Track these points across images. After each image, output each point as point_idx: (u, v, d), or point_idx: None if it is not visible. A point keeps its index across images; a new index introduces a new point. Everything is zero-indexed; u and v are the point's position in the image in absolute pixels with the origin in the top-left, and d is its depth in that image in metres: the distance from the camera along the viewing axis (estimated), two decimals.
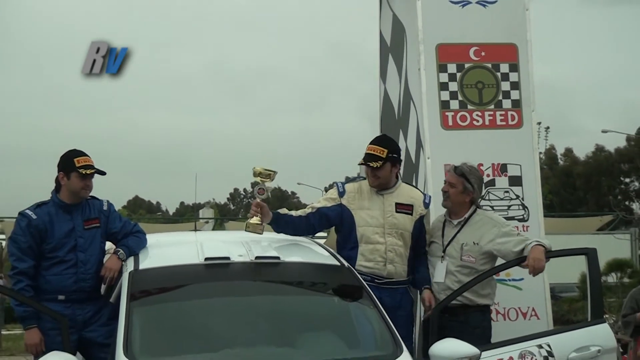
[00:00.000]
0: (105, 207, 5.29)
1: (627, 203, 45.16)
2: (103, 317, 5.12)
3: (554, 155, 49.04)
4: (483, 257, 5.37)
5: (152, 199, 71.06)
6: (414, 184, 6.22)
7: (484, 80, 6.38)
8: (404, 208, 5.43)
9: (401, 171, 6.68)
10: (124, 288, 4.61)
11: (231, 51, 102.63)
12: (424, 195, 5.60)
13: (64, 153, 5.24)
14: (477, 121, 6.33)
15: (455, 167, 5.54)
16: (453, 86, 6.35)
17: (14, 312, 5.29)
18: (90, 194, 5.27)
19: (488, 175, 6.14)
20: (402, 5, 6.97)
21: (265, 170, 5.21)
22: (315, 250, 5.27)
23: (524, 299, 6.03)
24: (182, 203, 66.71)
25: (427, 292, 5.36)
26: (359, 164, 5.51)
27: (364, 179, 5.53)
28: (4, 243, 20.93)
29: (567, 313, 18.27)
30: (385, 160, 5.37)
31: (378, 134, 6.34)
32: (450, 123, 6.31)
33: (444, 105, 6.32)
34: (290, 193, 65.75)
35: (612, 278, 18.25)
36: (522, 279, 5.91)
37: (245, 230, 5.14)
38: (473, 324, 5.29)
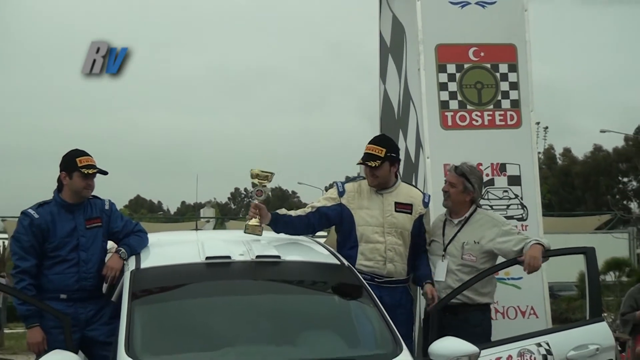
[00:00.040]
0: (107, 207, 5.29)
1: (625, 202, 45.10)
2: (105, 315, 5.12)
3: (553, 155, 49.08)
4: (484, 256, 5.38)
5: (154, 199, 71.16)
6: (413, 183, 6.22)
7: (483, 80, 6.38)
8: (403, 207, 5.43)
9: (401, 171, 6.69)
10: (125, 287, 4.61)
11: (231, 51, 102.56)
12: (423, 194, 5.60)
13: (66, 153, 5.24)
14: (476, 121, 6.34)
15: (455, 167, 5.54)
16: (452, 86, 6.35)
17: (16, 310, 5.28)
18: (92, 194, 5.27)
19: (487, 175, 6.14)
20: (401, 5, 6.97)
21: (263, 172, 5.20)
22: (315, 250, 5.27)
23: (523, 297, 6.03)
24: (183, 202, 66.75)
25: (429, 286, 5.34)
26: (357, 164, 5.51)
27: (364, 178, 5.53)
28: (6, 242, 20.94)
29: (566, 312, 18.27)
30: (384, 160, 5.37)
31: (378, 133, 6.34)
32: (450, 123, 6.31)
33: (444, 105, 6.32)
34: (290, 192, 65.80)
35: (610, 277, 18.25)
36: (521, 278, 5.91)
37: (245, 232, 5.13)
38: (473, 322, 5.29)
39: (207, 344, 4.33)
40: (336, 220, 5.48)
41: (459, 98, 6.34)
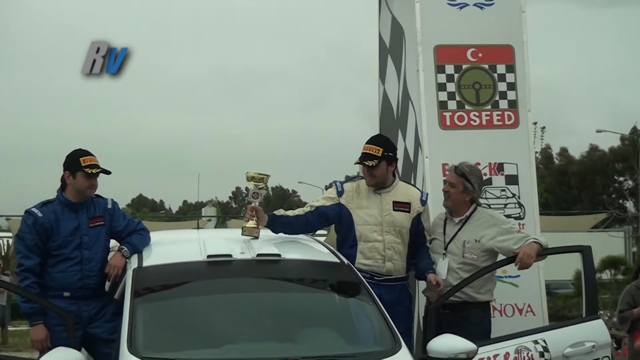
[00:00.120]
0: (109, 206, 5.29)
1: (620, 201, 45.19)
2: (107, 313, 5.12)
3: (550, 154, 49.11)
4: (484, 255, 5.38)
5: (156, 198, 71.23)
6: (412, 182, 6.22)
7: (481, 81, 6.38)
8: (401, 206, 5.43)
9: (400, 170, 6.70)
10: (128, 285, 4.61)
11: (231, 51, 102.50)
12: (421, 193, 5.60)
13: (69, 152, 5.24)
14: (475, 121, 6.33)
15: (455, 167, 5.53)
16: (451, 87, 6.35)
17: (20, 308, 5.28)
18: (95, 193, 5.27)
19: (485, 174, 6.12)
20: (400, 7, 6.97)
21: (259, 174, 5.20)
22: (315, 248, 5.27)
23: (520, 295, 6.03)
24: (185, 201, 66.87)
25: (432, 274, 5.31)
26: (355, 163, 5.51)
27: (363, 178, 5.53)
28: (10, 241, 20.93)
29: (562, 309, 18.30)
30: (381, 159, 5.36)
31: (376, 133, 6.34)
32: (448, 123, 6.31)
33: (442, 105, 6.32)
34: (291, 192, 65.83)
35: (606, 275, 18.27)
36: (518, 276, 5.91)
37: (242, 235, 5.11)
38: (474, 320, 5.29)
39: (209, 341, 4.33)
40: (335, 220, 5.48)
41: (457, 98, 6.34)
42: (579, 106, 79.96)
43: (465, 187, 5.45)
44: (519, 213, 6.21)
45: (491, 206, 6.03)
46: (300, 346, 4.34)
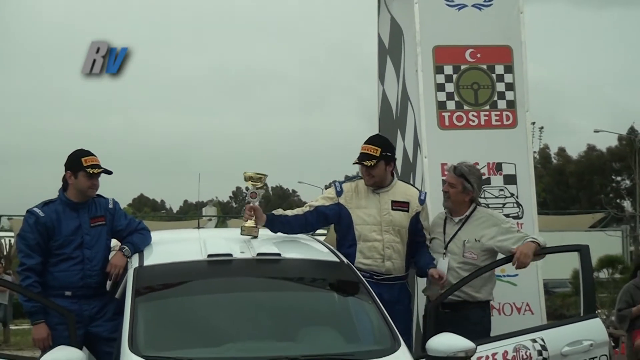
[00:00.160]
0: (110, 205, 5.29)
1: (618, 201, 45.21)
2: (109, 312, 5.12)
3: (548, 154, 49.10)
4: (484, 254, 5.37)
5: (157, 198, 71.20)
6: (411, 182, 6.22)
7: (479, 81, 6.38)
8: (400, 205, 5.43)
9: (399, 170, 6.70)
10: (129, 284, 4.61)
11: (232, 52, 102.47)
12: (420, 192, 5.59)
13: (71, 153, 5.24)
14: (473, 121, 6.34)
15: (454, 168, 5.53)
16: (449, 87, 6.35)
17: (22, 307, 5.29)
18: (96, 193, 5.26)
19: (484, 174, 6.12)
20: (399, 8, 6.98)
21: (256, 174, 5.20)
22: (315, 247, 5.27)
23: (519, 294, 6.04)
24: (185, 201, 66.89)
25: (433, 269, 5.31)
26: (353, 163, 5.50)
27: (362, 178, 5.53)
28: (12, 240, 20.93)
29: (560, 308, 18.27)
30: (379, 159, 5.36)
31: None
32: (447, 123, 6.31)
33: (441, 105, 6.32)
34: (291, 191, 65.83)
35: (603, 274, 18.26)
36: (516, 275, 5.91)
37: (241, 234, 5.11)
38: (474, 319, 5.29)
39: (209, 339, 4.33)
40: (334, 220, 5.48)
41: (456, 99, 6.34)
42: (577, 106, 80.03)
43: (465, 187, 5.45)
44: (517, 212, 6.21)
45: (489, 206, 6.03)
46: (300, 345, 4.34)
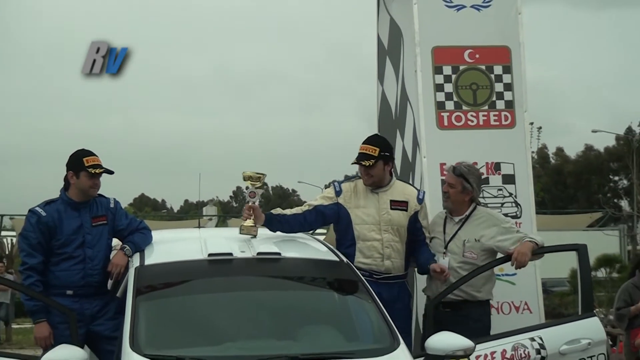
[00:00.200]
0: (112, 205, 5.29)
1: (616, 200, 45.14)
2: (110, 311, 5.12)
3: (546, 154, 49.10)
4: (484, 254, 5.37)
5: (158, 197, 71.12)
6: (410, 182, 6.22)
7: (478, 81, 6.39)
8: (398, 205, 5.43)
9: (398, 170, 6.71)
10: (130, 283, 4.61)
11: (232, 52, 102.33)
12: (418, 191, 5.59)
13: (72, 153, 5.24)
14: (472, 121, 6.34)
15: (453, 168, 5.53)
16: (448, 87, 6.35)
17: (24, 306, 5.28)
18: (98, 192, 5.26)
19: (482, 174, 6.13)
20: (399, 9, 6.97)
21: (255, 174, 5.19)
22: (315, 247, 5.27)
23: (517, 293, 6.04)
24: (186, 201, 66.84)
25: (435, 264, 5.31)
26: (352, 163, 5.50)
27: (361, 178, 5.53)
28: (14, 240, 20.93)
29: (559, 307, 18.27)
30: (378, 159, 5.36)
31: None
32: (446, 123, 6.31)
33: (440, 105, 6.32)
34: (291, 191, 65.83)
35: (601, 273, 18.25)
36: (515, 274, 5.91)
37: (240, 233, 5.10)
38: (474, 318, 5.29)
39: (210, 338, 4.33)
40: (333, 219, 5.48)
41: (455, 99, 6.34)
42: (575, 107, 80.00)
43: (464, 187, 5.45)
44: (516, 212, 6.21)
45: (488, 205, 6.03)
46: (300, 343, 4.33)
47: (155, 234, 5.32)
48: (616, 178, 49.36)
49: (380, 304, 4.60)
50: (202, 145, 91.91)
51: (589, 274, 5.35)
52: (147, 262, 4.87)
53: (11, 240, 21.60)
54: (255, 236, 5.08)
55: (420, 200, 5.50)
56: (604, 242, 21.27)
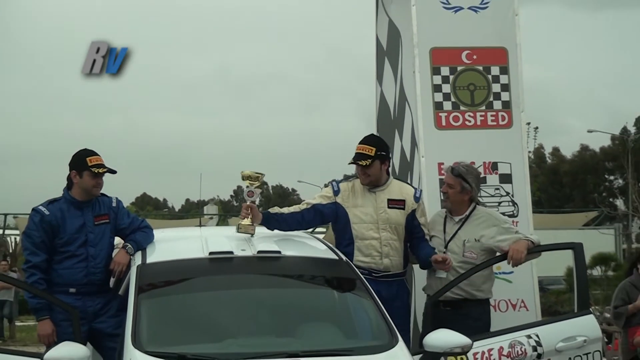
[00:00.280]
0: (114, 204, 5.29)
1: (611, 200, 45.19)
2: (112, 308, 5.12)
3: (542, 154, 49.19)
4: (484, 254, 5.37)
5: (159, 196, 71.10)
6: (409, 181, 6.22)
7: (475, 82, 6.38)
8: (396, 203, 5.42)
9: (397, 169, 6.71)
10: (132, 281, 4.61)
11: (232, 52, 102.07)
12: (415, 189, 5.59)
13: (75, 152, 5.24)
14: (469, 121, 6.33)
15: (452, 169, 5.52)
16: (446, 88, 6.34)
17: (27, 304, 5.28)
18: (100, 191, 5.26)
19: (480, 173, 6.13)
20: (397, 10, 6.97)
21: (254, 173, 5.19)
22: (314, 245, 5.27)
23: (514, 291, 6.04)
24: (187, 200, 66.86)
25: (436, 255, 5.29)
26: (349, 163, 5.50)
27: (358, 177, 5.52)
28: (18, 238, 20.95)
29: (555, 304, 18.31)
30: (374, 158, 5.36)
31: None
32: (444, 123, 6.31)
33: (438, 106, 6.31)
34: (290, 190, 65.84)
35: (597, 271, 18.31)
36: (512, 272, 5.91)
37: (237, 232, 5.09)
38: (474, 317, 5.29)
39: (211, 335, 4.33)
40: (331, 218, 5.48)
41: (453, 99, 6.34)
42: (571, 107, 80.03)
43: (463, 187, 5.44)
44: (513, 211, 6.21)
45: (486, 204, 6.03)
46: (299, 341, 4.33)
47: (157, 233, 5.32)
48: (611, 177, 49.42)
49: (379, 301, 4.60)
50: (202, 145, 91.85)
51: (585, 272, 5.35)
52: (149, 260, 4.86)
53: (15, 238, 21.63)
54: (252, 235, 5.08)
55: (417, 199, 5.50)
56: (600, 241, 21.30)
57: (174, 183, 78.73)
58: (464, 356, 4.56)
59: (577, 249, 5.28)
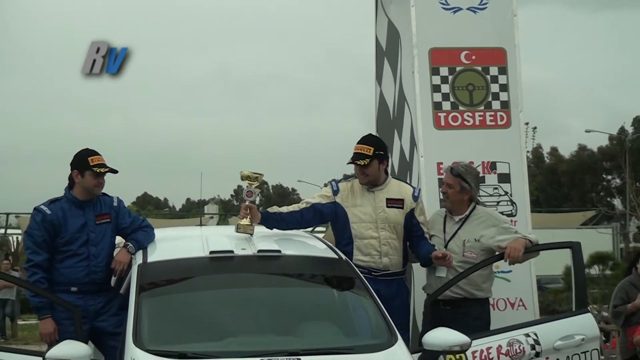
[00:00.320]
0: (115, 203, 5.29)
1: (608, 199, 45.20)
2: (113, 307, 5.12)
3: (541, 153, 49.20)
4: (483, 253, 5.36)
5: (160, 196, 71.06)
6: (408, 181, 6.22)
7: (474, 82, 6.38)
8: (394, 203, 5.42)
9: (396, 169, 6.71)
10: (133, 280, 4.61)
11: (232, 52, 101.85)
12: (414, 188, 5.59)
13: (77, 152, 5.24)
14: (468, 121, 6.34)
15: (451, 169, 5.52)
16: (445, 88, 6.35)
17: (29, 303, 5.28)
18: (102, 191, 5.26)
19: (479, 173, 6.13)
20: (396, 11, 6.97)
21: (253, 173, 5.19)
22: (314, 244, 5.27)
23: (512, 290, 6.04)
24: (188, 199, 66.83)
25: (435, 251, 5.30)
26: (347, 163, 5.50)
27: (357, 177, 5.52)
28: (19, 237, 20.95)
29: (553, 303, 18.30)
30: (373, 158, 5.36)
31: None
32: (443, 123, 6.31)
33: (437, 106, 6.32)
34: (290, 190, 65.84)
35: (594, 270, 18.28)
36: (510, 271, 5.91)
37: (236, 232, 5.08)
38: (474, 315, 5.29)
39: (211, 334, 4.33)
40: (330, 218, 5.48)
41: (452, 99, 6.34)
42: (570, 107, 79.96)
43: (462, 187, 5.44)
44: (511, 210, 6.21)
45: (484, 204, 6.04)
46: (299, 339, 4.33)
47: (158, 232, 5.32)
48: (609, 177, 49.44)
49: (379, 300, 4.60)
50: (202, 145, 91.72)
51: (583, 271, 5.35)
52: (150, 259, 4.86)
53: (17, 238, 21.64)
54: (252, 235, 5.07)
55: (416, 198, 5.50)
56: (597, 240, 21.32)
57: (175, 183, 78.72)
58: (462, 354, 4.56)
59: (575, 248, 5.28)
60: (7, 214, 27.75)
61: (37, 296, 5.01)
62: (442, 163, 6.01)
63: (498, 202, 6.20)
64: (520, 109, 6.39)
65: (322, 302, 4.87)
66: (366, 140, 5.50)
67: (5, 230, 27.26)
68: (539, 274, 6.45)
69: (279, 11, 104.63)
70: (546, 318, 5.55)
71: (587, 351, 5.00)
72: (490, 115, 6.36)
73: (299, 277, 4.96)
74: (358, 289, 4.77)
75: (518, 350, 4.86)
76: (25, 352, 4.75)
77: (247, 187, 5.18)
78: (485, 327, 5.27)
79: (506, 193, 6.25)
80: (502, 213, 5.96)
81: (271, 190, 64.72)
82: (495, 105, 6.38)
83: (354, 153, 5.40)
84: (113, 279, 5.20)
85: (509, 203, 6.23)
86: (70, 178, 5.21)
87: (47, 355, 4.19)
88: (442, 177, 5.76)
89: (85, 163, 5.13)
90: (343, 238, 5.40)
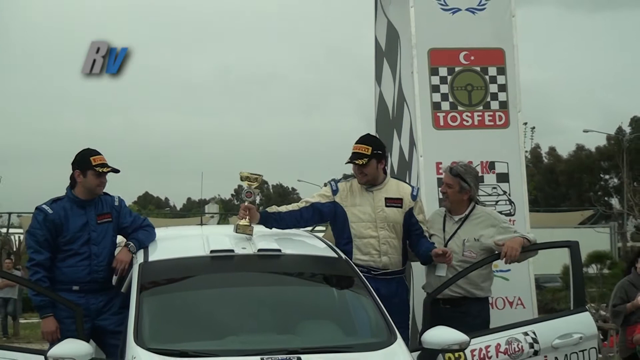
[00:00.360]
0: (116, 203, 5.29)
1: (606, 199, 45.26)
2: (115, 306, 5.12)
3: (539, 153, 49.17)
4: (483, 253, 5.35)
5: (161, 195, 71.04)
6: (407, 180, 6.22)
7: (473, 82, 6.38)
8: (393, 202, 5.42)
9: (395, 169, 6.70)
10: (134, 279, 4.61)
11: (232, 52, 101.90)
12: (412, 187, 5.59)
13: (79, 152, 5.24)
14: (467, 121, 6.34)
15: (450, 169, 5.51)
16: (444, 88, 6.35)
17: (31, 301, 5.28)
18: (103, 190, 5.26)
19: (478, 173, 6.13)
20: (396, 12, 6.97)
21: (252, 174, 5.18)
22: (314, 244, 5.27)
23: (511, 288, 6.04)
24: (189, 199, 66.78)
25: (435, 248, 5.29)
26: (346, 163, 5.50)
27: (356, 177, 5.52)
28: (21, 237, 20.94)
29: (551, 302, 18.30)
30: (371, 157, 5.36)
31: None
32: (442, 123, 6.31)
33: (436, 106, 6.32)
34: (290, 189, 65.85)
35: (592, 269, 18.32)
36: (509, 270, 5.91)
37: (235, 232, 5.07)
38: (474, 314, 5.29)
39: (212, 332, 4.33)
40: (329, 217, 5.48)
41: (450, 99, 6.34)
42: (568, 107, 79.94)
43: (462, 186, 5.44)
44: (510, 210, 6.21)
45: (484, 204, 6.03)
46: (299, 338, 4.33)
47: (159, 231, 5.32)
48: (607, 177, 49.45)
49: (378, 299, 4.61)
50: (202, 145, 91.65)
51: (581, 270, 5.35)
52: (151, 258, 4.86)
53: (19, 237, 21.61)
54: (251, 234, 5.06)
55: (415, 197, 5.49)
56: (595, 239, 21.34)
57: (176, 182, 78.71)
58: (461, 353, 4.56)
59: (573, 247, 5.28)
60: (9, 214, 27.75)
61: (39, 295, 5.01)
62: (441, 163, 6.01)
63: (497, 202, 6.21)
64: (518, 109, 6.39)
65: (322, 300, 4.87)
66: (364, 140, 5.50)
67: (7, 230, 27.26)
68: (537, 273, 6.46)
69: (279, 11, 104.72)
70: (544, 317, 5.55)
71: (585, 350, 4.99)
72: (489, 115, 6.36)
73: (299, 276, 4.96)
74: (358, 287, 4.77)
75: (517, 349, 4.86)
76: (27, 351, 4.75)
77: (247, 187, 5.17)
78: (484, 325, 5.27)
79: (505, 192, 6.25)
80: (500, 212, 5.95)
81: (271, 190, 64.71)
82: (494, 105, 6.38)
83: (352, 153, 5.41)
84: (114, 278, 5.20)
85: (508, 202, 6.23)
86: (72, 178, 5.21)
87: (49, 353, 4.19)
88: (442, 176, 5.76)
89: (87, 163, 5.13)
90: (342, 237, 5.40)
